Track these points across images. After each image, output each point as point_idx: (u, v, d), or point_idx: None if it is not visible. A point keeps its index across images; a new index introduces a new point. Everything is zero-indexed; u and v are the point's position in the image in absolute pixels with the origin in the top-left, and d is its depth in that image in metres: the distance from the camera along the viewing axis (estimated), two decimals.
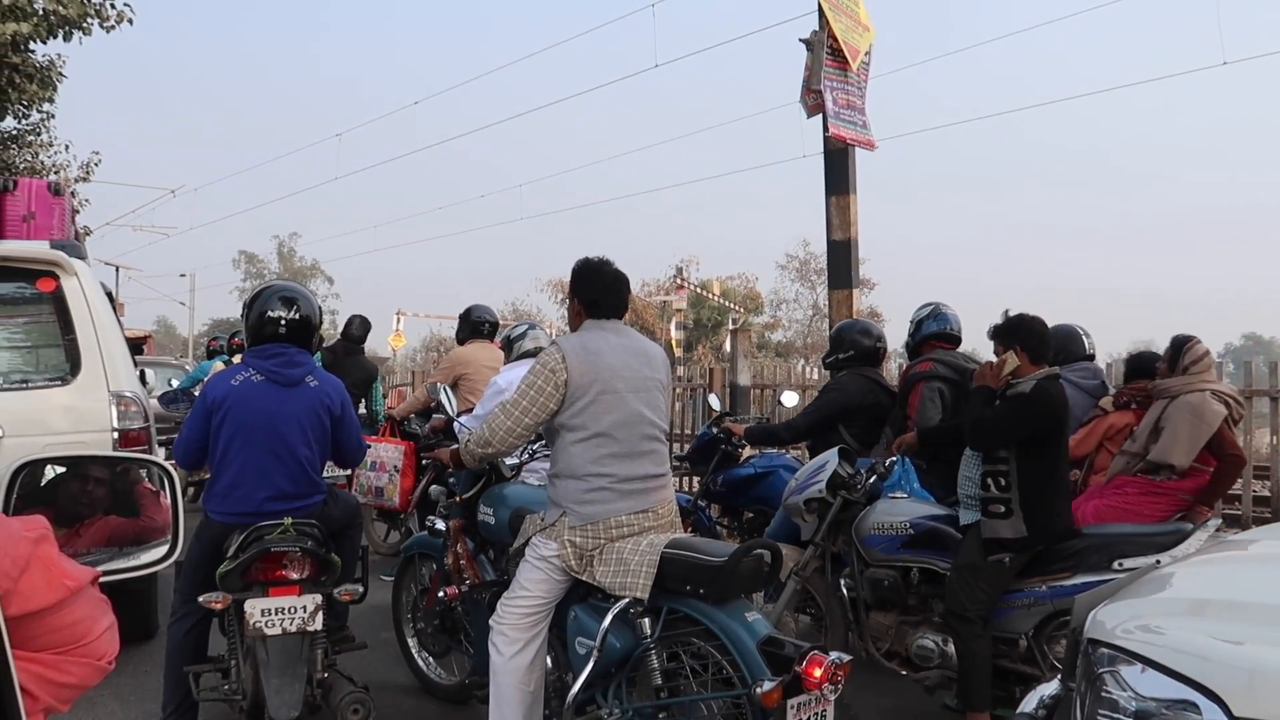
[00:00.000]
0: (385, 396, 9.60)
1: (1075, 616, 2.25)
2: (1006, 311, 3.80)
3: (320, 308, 3.75)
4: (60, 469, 1.64)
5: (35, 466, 1.47)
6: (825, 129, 7.17)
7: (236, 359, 5.55)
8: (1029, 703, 2.32)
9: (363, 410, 7.51)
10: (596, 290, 3.16)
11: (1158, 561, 3.15)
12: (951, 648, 3.67)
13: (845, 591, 4.07)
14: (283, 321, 3.45)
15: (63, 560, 0.98)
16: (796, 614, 4.25)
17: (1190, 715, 1.70)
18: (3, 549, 0.92)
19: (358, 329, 7.76)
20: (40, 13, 9.27)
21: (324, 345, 7.48)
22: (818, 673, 2.50)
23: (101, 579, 1.05)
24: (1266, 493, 6.26)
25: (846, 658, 2.60)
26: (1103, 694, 1.89)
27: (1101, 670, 1.92)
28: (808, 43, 7.12)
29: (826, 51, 7.04)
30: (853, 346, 4.94)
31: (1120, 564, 3.38)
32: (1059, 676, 2.37)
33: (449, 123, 63.74)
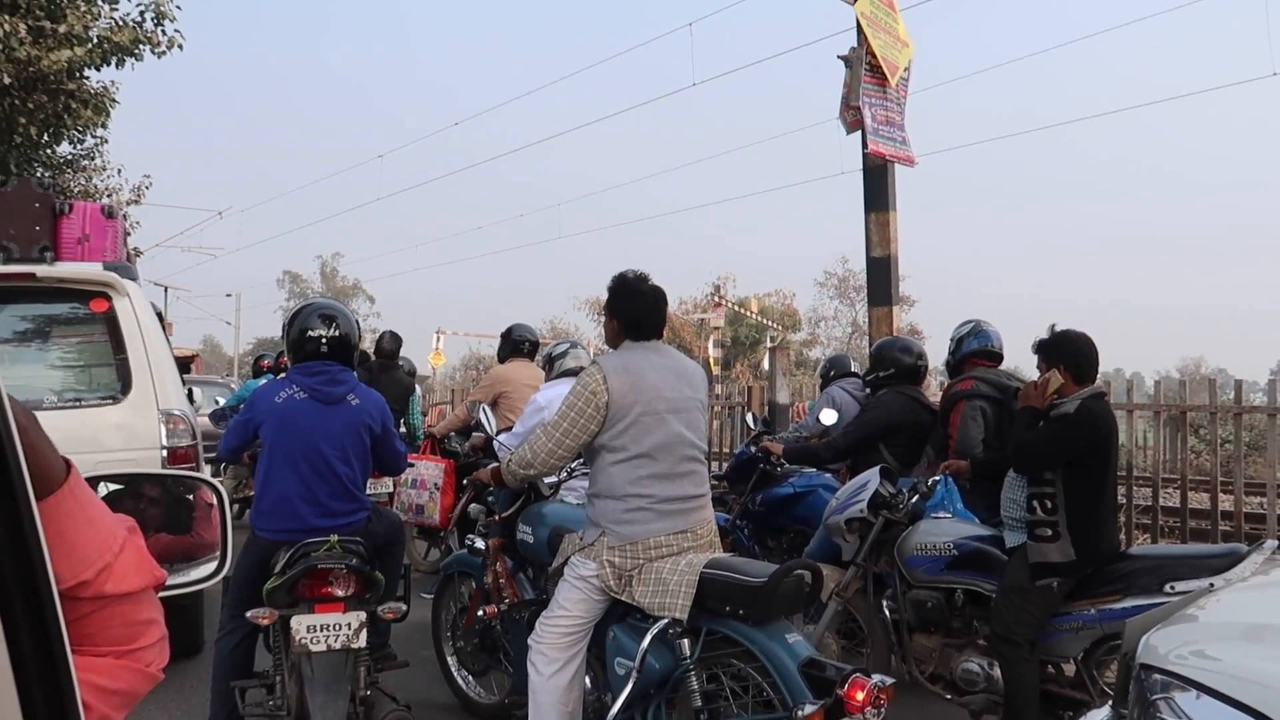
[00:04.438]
0: (425, 414, 9.67)
1: (1127, 641, 2.20)
2: (1053, 326, 3.75)
3: (359, 324, 3.80)
4: (113, 486, 1.67)
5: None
6: (864, 145, 7.14)
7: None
8: None
9: (402, 429, 7.57)
10: (637, 311, 3.14)
11: (1211, 585, 3.08)
12: (997, 671, 3.60)
13: (888, 613, 4.02)
14: (324, 339, 3.51)
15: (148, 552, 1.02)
16: (838, 636, 4.20)
17: None
18: (108, 526, 0.95)
19: (389, 343, 7.87)
20: (94, 40, 9.55)
21: (362, 363, 7.57)
22: (860, 696, 2.47)
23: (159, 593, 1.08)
24: None
25: (889, 680, 2.56)
26: None
27: (1155, 697, 1.88)
28: (846, 59, 7.11)
29: (865, 68, 7.02)
30: (893, 364, 4.90)
31: (1172, 587, 3.29)
32: (1109, 702, 2.32)
33: (489, 143, 64.51)
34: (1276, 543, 3.47)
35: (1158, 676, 1.89)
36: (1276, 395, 6.32)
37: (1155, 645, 1.99)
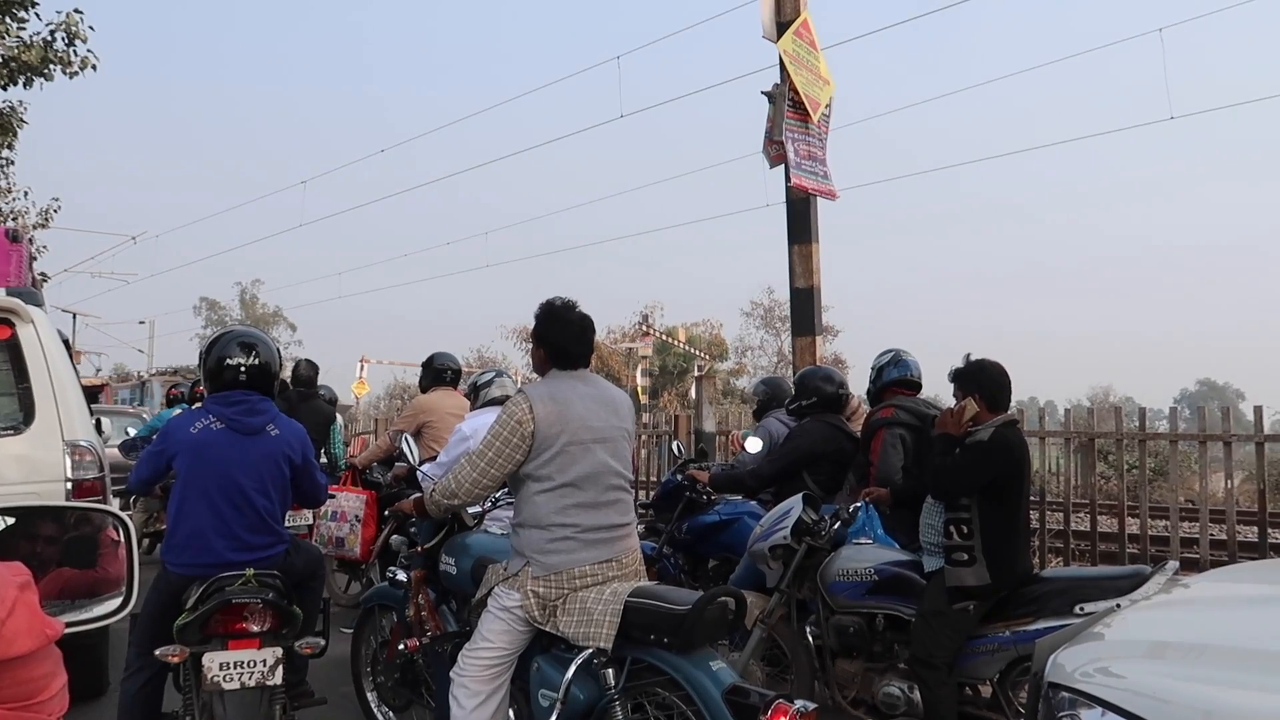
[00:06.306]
0: (347, 444, 9.48)
1: (1036, 660, 2.27)
2: (968, 356, 3.86)
3: (279, 352, 3.72)
4: (11, 520, 1.60)
5: None
6: (787, 179, 7.29)
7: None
8: None
9: (323, 459, 7.40)
10: (565, 339, 3.12)
11: (1118, 605, 3.19)
12: (918, 695, 3.67)
13: (811, 639, 4.06)
14: (242, 368, 3.41)
15: (41, 609, 0.98)
16: (763, 662, 4.22)
17: None
18: None
19: (306, 370, 7.72)
20: (0, 59, 9.23)
21: (280, 392, 7.39)
22: None
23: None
24: (1223, 536, 6.36)
25: (812, 706, 2.59)
26: None
27: (1062, 714, 1.93)
28: (770, 95, 7.25)
29: (788, 104, 7.17)
30: (815, 393, 4.99)
31: (1082, 608, 3.41)
32: None
33: (415, 170, 63.99)
34: (1178, 564, 3.62)
35: (1064, 694, 1.95)
36: (1178, 423, 6.61)
37: (1062, 663, 2.05)
